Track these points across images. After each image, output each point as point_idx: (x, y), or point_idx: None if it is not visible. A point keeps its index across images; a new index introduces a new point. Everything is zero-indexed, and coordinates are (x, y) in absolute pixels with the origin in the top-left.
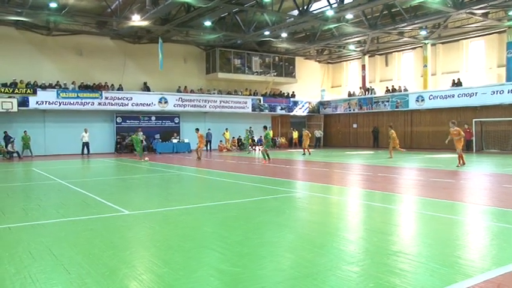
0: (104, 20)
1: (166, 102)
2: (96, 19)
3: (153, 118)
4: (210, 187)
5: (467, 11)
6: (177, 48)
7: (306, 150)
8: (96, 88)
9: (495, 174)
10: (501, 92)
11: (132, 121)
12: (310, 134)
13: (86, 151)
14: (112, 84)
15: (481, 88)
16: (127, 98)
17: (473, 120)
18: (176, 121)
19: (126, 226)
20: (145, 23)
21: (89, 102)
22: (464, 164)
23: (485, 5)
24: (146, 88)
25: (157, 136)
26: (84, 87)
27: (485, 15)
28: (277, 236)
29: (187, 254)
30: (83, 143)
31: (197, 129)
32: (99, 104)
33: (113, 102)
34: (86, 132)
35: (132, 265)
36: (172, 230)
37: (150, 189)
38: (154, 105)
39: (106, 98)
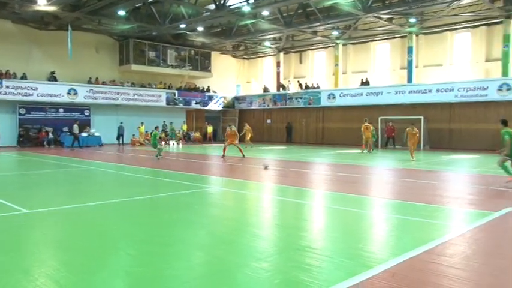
0: (3, 0)
1: (75, 93)
2: None
3: (61, 110)
4: (119, 183)
5: (375, 15)
6: (89, 37)
7: (367, 147)
8: None
9: (396, 169)
10: (403, 92)
11: (37, 113)
12: (372, 127)
13: None
14: (14, 73)
15: (386, 88)
16: (32, 88)
17: (379, 118)
18: (86, 114)
19: (23, 226)
20: (52, 8)
21: None
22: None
23: (390, 10)
24: (53, 78)
25: (65, 129)
26: None
27: (390, 20)
28: (187, 233)
29: (90, 254)
30: None
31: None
32: None
33: (16, 92)
34: None
35: (26, 270)
36: (74, 229)
37: (54, 185)
38: (63, 96)
39: (7, 87)
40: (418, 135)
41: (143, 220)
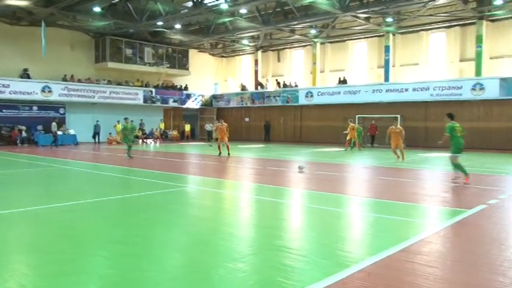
0: None
1: (50, 91)
2: None
3: (35, 108)
4: (94, 182)
5: (352, 14)
6: (63, 33)
7: (351, 145)
8: None
9: (372, 167)
10: (380, 91)
11: (9, 111)
12: (356, 127)
13: None
14: None
15: (363, 86)
16: (3, 85)
17: (357, 116)
18: (62, 112)
19: None
20: (24, 3)
21: None
22: (403, 159)
23: (367, 10)
24: (26, 75)
25: (39, 127)
26: None
27: (367, 19)
28: (163, 233)
29: (60, 257)
30: None
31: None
32: None
33: None
34: None
35: None
36: (45, 230)
37: (26, 185)
38: (37, 94)
39: None
40: (403, 133)
41: (118, 220)
